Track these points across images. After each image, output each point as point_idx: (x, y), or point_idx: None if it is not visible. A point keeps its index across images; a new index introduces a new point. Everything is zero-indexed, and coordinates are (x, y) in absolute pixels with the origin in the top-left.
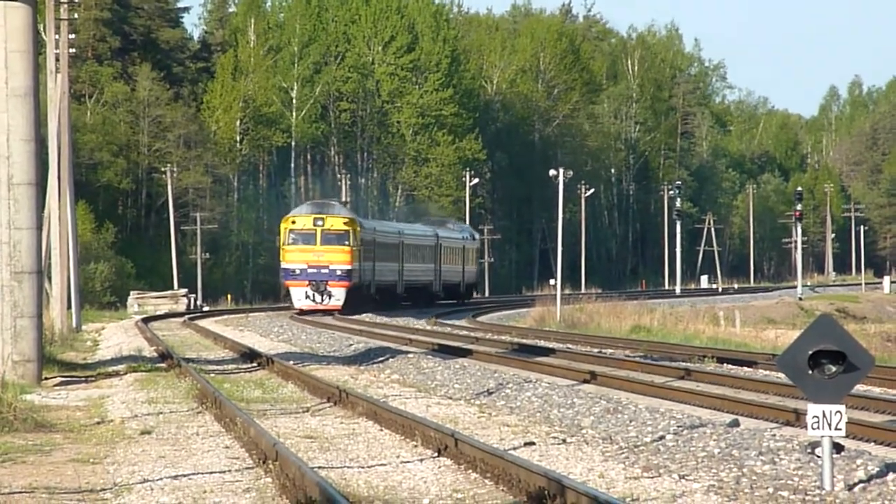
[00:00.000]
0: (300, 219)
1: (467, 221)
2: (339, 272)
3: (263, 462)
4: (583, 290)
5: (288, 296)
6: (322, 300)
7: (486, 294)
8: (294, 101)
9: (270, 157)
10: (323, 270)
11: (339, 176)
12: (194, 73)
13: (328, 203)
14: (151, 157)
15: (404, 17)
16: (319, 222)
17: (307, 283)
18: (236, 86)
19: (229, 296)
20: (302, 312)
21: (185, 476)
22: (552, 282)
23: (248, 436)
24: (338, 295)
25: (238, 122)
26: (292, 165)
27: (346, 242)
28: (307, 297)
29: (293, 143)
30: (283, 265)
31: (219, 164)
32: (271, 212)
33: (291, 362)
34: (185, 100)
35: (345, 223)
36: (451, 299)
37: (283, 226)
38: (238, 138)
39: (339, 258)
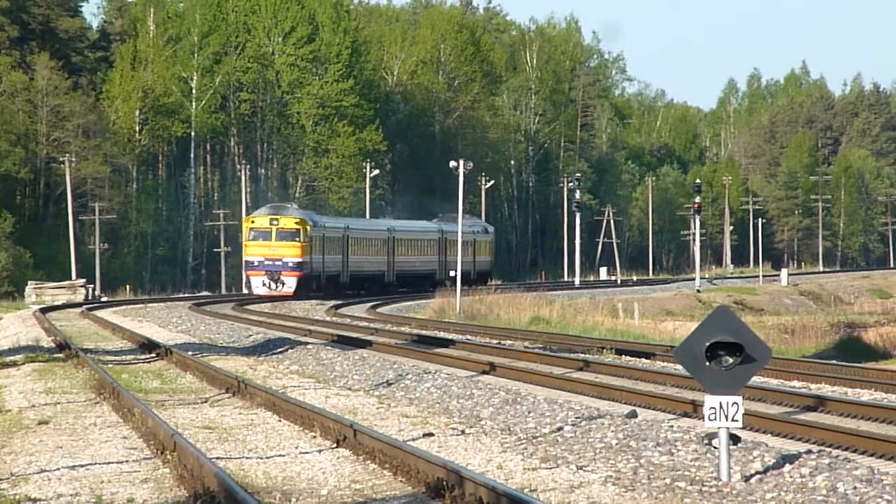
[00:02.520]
0: (258, 219)
1: (367, 213)
2: (290, 264)
3: (161, 452)
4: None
5: (248, 284)
6: (276, 287)
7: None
8: (194, 91)
9: (170, 148)
10: (277, 262)
11: (238, 166)
12: (93, 63)
13: (283, 206)
14: (50, 146)
15: (304, 8)
16: (275, 222)
17: (264, 272)
18: (135, 76)
19: (128, 286)
20: (261, 297)
21: (82, 466)
22: (452, 273)
23: (146, 426)
24: (290, 283)
25: (137, 112)
26: (192, 156)
27: (297, 239)
28: (264, 284)
29: (193, 134)
30: (245, 258)
31: (118, 155)
32: (170, 202)
33: (190, 353)
34: (83, 89)
35: (296, 223)
36: (464, 284)
37: (245, 224)
38: (137, 128)
39: (290, 252)
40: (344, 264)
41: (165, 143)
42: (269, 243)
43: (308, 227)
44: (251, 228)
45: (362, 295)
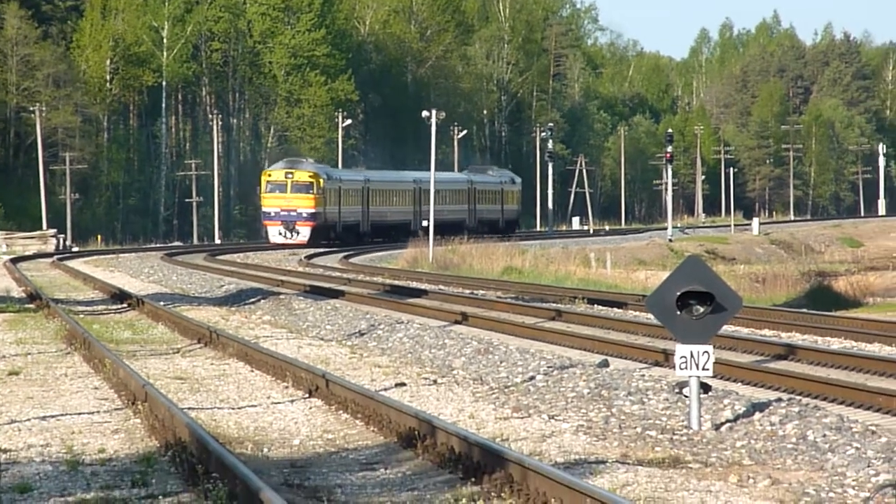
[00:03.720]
0: (275, 172)
1: (339, 163)
2: (304, 214)
3: (133, 403)
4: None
5: (265, 234)
6: (291, 236)
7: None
8: (165, 40)
9: (141, 97)
10: (292, 213)
11: (210, 116)
12: (63, 12)
13: (298, 160)
14: (20, 96)
15: None
16: (290, 175)
17: (280, 222)
18: (106, 25)
19: (99, 237)
20: (276, 246)
21: (53, 417)
22: (424, 223)
23: (118, 377)
24: (304, 232)
25: (108, 62)
26: (163, 105)
27: (311, 191)
28: (280, 234)
29: (164, 83)
30: (263, 209)
31: (88, 104)
32: (142, 152)
33: (162, 303)
34: (54, 38)
35: (309, 176)
36: (491, 233)
37: (262, 178)
38: (108, 78)
39: (304, 203)
40: (364, 214)
41: (136, 93)
42: (284, 195)
43: (321, 181)
44: (268, 181)
45: (378, 243)
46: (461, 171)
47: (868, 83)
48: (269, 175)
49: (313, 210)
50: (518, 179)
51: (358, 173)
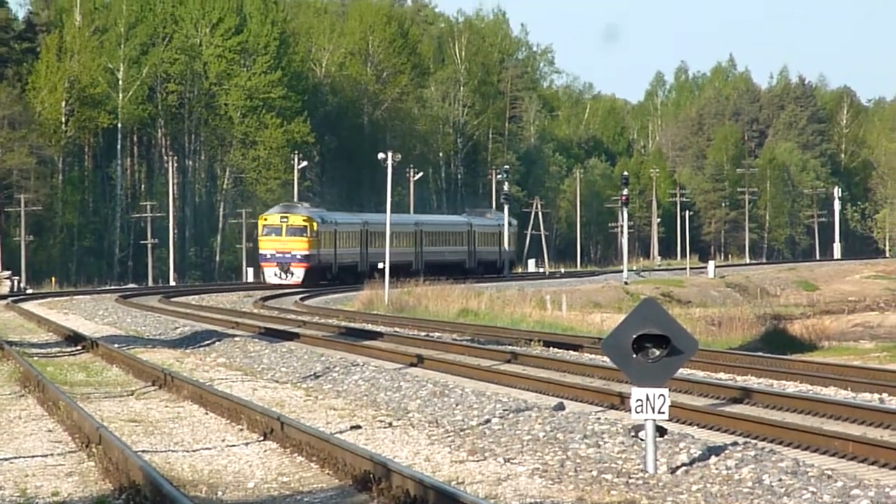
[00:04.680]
0: (270, 217)
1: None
2: (298, 256)
3: (87, 446)
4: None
5: (258, 274)
6: (286, 277)
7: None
8: (120, 82)
9: (96, 139)
10: (287, 255)
11: (165, 158)
12: (19, 54)
13: (293, 205)
14: None
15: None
16: (284, 219)
17: (276, 264)
18: (62, 66)
19: (54, 279)
20: (272, 286)
21: (6, 460)
22: (380, 265)
23: (72, 419)
24: (298, 273)
25: (63, 103)
26: (119, 147)
27: (304, 234)
28: (276, 274)
29: (119, 125)
30: (260, 251)
31: (44, 146)
32: (97, 193)
33: (116, 345)
34: (9, 80)
35: (303, 220)
36: (490, 273)
37: (259, 222)
38: (63, 119)
39: (298, 246)
40: (363, 255)
41: (92, 135)
42: (279, 238)
43: (315, 224)
44: (264, 225)
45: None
46: (456, 213)
47: (823, 127)
48: (266, 219)
49: (307, 252)
50: (514, 222)
51: (356, 216)
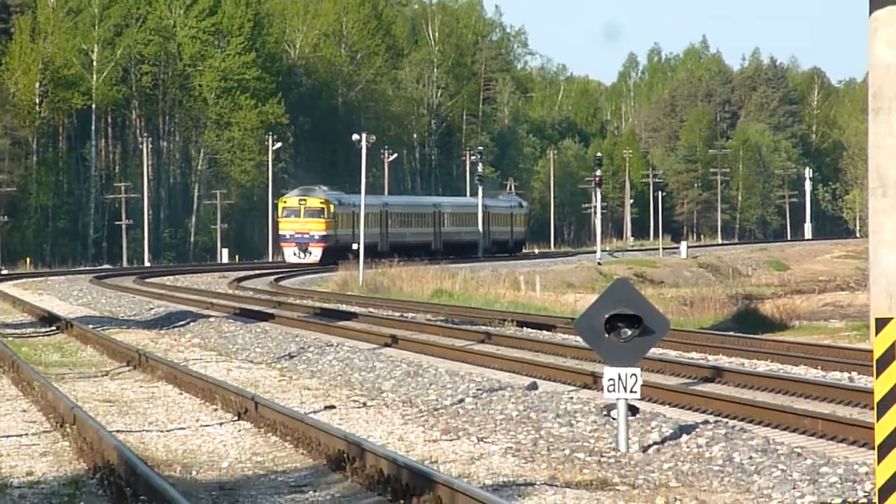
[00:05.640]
0: (290, 199)
1: (270, 185)
2: (316, 236)
3: (61, 426)
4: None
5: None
6: (304, 256)
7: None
8: (95, 63)
9: (70, 120)
10: (305, 235)
11: (140, 139)
12: None
13: (311, 188)
14: None
15: None
16: (303, 202)
17: (294, 244)
18: (35, 47)
19: (28, 259)
20: (292, 265)
21: None
22: (354, 246)
23: (46, 399)
24: (315, 252)
25: (37, 85)
26: (93, 128)
27: (322, 216)
28: (295, 254)
29: (94, 106)
30: (280, 232)
31: (17, 127)
32: (71, 175)
33: (91, 326)
34: None
35: (321, 202)
36: (502, 252)
37: (279, 204)
38: (37, 100)
39: (316, 227)
40: (383, 235)
41: (66, 116)
42: (298, 219)
43: (332, 206)
44: (284, 207)
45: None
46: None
47: (794, 108)
48: (285, 202)
49: (324, 232)
50: (525, 203)
51: (377, 198)
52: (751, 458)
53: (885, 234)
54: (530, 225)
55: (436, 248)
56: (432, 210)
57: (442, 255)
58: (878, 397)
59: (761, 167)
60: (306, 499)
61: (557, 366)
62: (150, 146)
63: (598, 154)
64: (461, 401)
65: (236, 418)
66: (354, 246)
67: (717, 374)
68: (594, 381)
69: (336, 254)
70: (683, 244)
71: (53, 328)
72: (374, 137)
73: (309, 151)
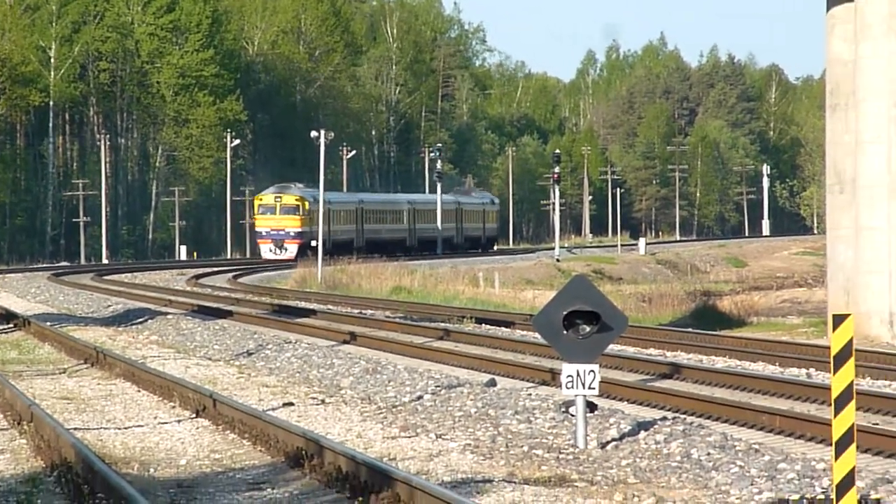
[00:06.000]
0: (266, 197)
1: (228, 182)
2: (291, 233)
3: (19, 423)
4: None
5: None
6: (280, 252)
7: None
8: (52, 60)
9: (28, 117)
10: (280, 232)
11: (98, 136)
12: None
13: (286, 186)
14: None
15: None
16: (279, 199)
17: (270, 241)
18: None
19: None
20: (268, 261)
21: None
22: (313, 243)
23: (3, 397)
24: (291, 249)
25: None
26: (50, 125)
27: (297, 213)
28: (270, 250)
29: (51, 103)
30: (256, 228)
31: None
32: (29, 172)
33: (49, 323)
34: None
35: (296, 199)
36: (474, 248)
37: (255, 202)
38: None
39: (291, 223)
40: (358, 232)
41: (23, 113)
42: (274, 216)
43: (307, 204)
44: (260, 204)
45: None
46: (445, 193)
47: (752, 105)
48: (261, 199)
49: (300, 229)
50: (497, 200)
51: (352, 196)
52: (709, 454)
53: (842, 231)
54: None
55: (410, 244)
56: (407, 207)
57: (416, 252)
58: (835, 394)
59: (719, 164)
60: (264, 496)
61: (516, 362)
62: (107, 143)
63: (557, 151)
64: (420, 398)
65: (194, 416)
66: (313, 243)
67: (675, 370)
68: (553, 378)
69: (312, 249)
70: (642, 241)
71: (11, 325)
72: (333, 134)
73: (267, 148)
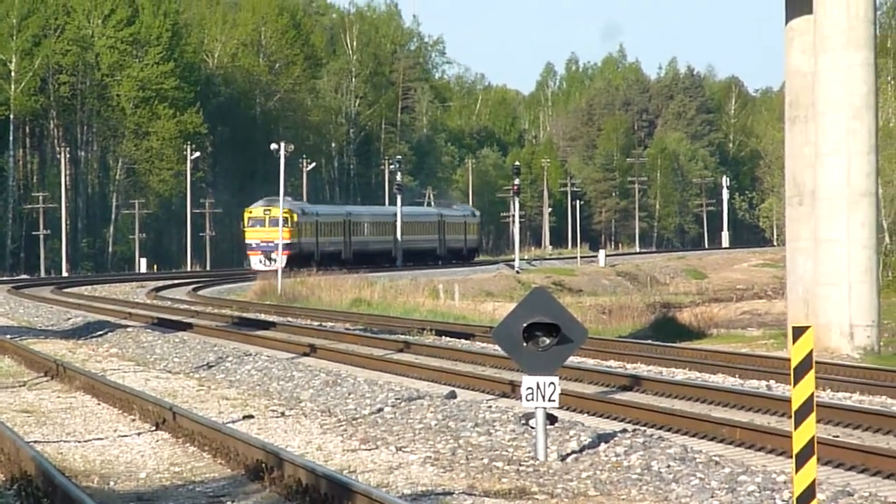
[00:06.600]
0: (255, 210)
1: (188, 195)
2: (281, 245)
3: None
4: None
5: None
6: (270, 264)
7: (284, 265)
8: (12, 73)
9: None
10: (270, 244)
11: (58, 149)
12: None
13: (275, 199)
14: None
15: None
16: (267, 212)
17: (260, 252)
18: None
19: None
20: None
21: None
22: (274, 256)
23: None
24: (280, 260)
25: None
26: (11, 138)
27: (286, 225)
28: (260, 262)
29: (11, 116)
30: (246, 241)
31: None
32: None
33: (8, 336)
34: None
35: (284, 212)
36: (457, 259)
37: (245, 214)
38: None
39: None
40: (346, 244)
41: None
42: (263, 229)
43: (295, 216)
44: (249, 217)
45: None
46: (428, 206)
47: (711, 117)
48: (251, 212)
49: (288, 241)
50: (477, 213)
51: (339, 208)
52: (669, 466)
53: (801, 242)
54: (481, 233)
55: (394, 255)
56: (393, 220)
57: (402, 263)
58: (795, 406)
59: (679, 176)
60: None
61: (476, 375)
62: (67, 156)
63: (517, 163)
64: (380, 410)
65: (154, 428)
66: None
67: (635, 382)
68: (513, 390)
69: (300, 261)
70: (601, 253)
71: None
72: (293, 147)
73: (227, 161)
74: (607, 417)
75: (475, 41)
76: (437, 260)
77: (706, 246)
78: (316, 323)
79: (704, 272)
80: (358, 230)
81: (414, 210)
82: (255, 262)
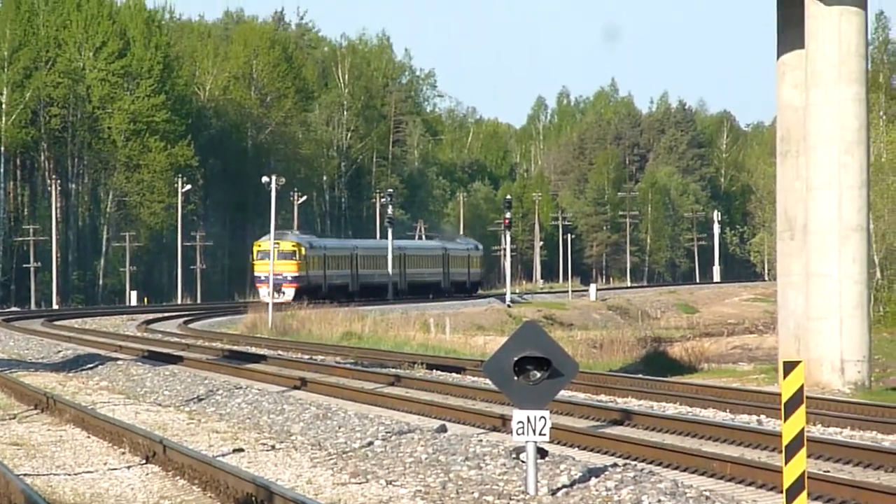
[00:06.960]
0: (264, 243)
1: (179, 228)
2: (288, 277)
3: None
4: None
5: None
6: (278, 296)
7: (293, 298)
8: (3, 105)
9: None
10: (278, 276)
11: (48, 181)
12: None
13: (284, 233)
14: None
15: (116, 23)
16: (276, 245)
17: (269, 284)
18: None
19: None
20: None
21: None
22: (283, 289)
23: None
24: (288, 292)
25: None
26: (2, 170)
27: (294, 258)
28: (269, 294)
29: (2, 149)
30: (255, 273)
31: None
32: None
33: None
34: None
35: (292, 245)
36: (460, 292)
37: (254, 247)
38: None
39: (288, 268)
40: (353, 276)
41: None
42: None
43: (303, 249)
44: (258, 251)
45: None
46: (430, 240)
47: (703, 151)
48: (260, 245)
49: (296, 273)
50: (480, 246)
51: (346, 242)
52: (660, 501)
53: (793, 277)
54: (484, 266)
55: (401, 288)
56: (398, 253)
57: (405, 295)
58: (786, 440)
59: (670, 210)
60: None
61: (467, 408)
62: (58, 188)
63: (508, 196)
64: (370, 444)
65: (144, 461)
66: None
67: (626, 416)
68: (503, 424)
69: (308, 293)
70: (592, 287)
71: None
72: (284, 180)
73: (218, 193)
74: (598, 451)
75: (467, 74)
76: (441, 293)
77: (697, 280)
78: (306, 356)
79: (695, 307)
80: (364, 263)
81: (418, 244)
82: (264, 293)
